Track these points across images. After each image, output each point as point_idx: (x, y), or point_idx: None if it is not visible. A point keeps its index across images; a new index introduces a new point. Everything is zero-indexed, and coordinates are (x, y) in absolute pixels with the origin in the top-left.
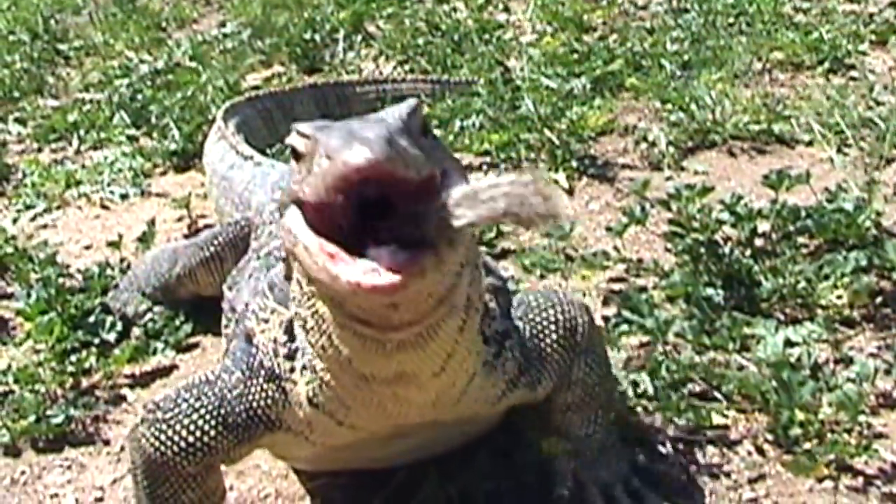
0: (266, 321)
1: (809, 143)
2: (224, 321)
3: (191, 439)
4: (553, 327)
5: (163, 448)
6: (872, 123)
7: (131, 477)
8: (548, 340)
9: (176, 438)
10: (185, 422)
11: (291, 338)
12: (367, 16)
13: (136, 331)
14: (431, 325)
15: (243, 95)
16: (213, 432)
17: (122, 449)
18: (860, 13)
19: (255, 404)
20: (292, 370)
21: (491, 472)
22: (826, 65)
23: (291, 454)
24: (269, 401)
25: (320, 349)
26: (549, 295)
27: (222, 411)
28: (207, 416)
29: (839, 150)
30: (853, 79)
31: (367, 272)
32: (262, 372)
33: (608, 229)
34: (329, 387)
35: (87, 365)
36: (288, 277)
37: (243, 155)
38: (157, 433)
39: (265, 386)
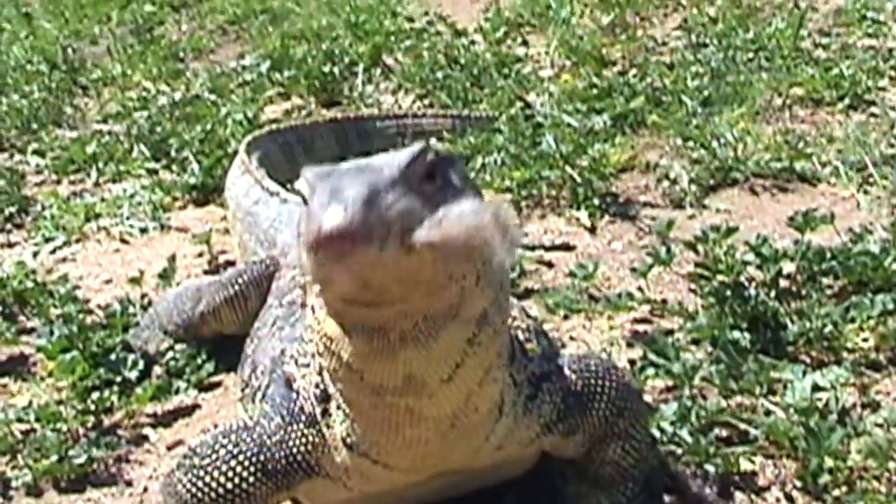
0: (306, 366)
1: (832, 182)
2: (244, 372)
3: (229, 486)
4: (601, 397)
5: (199, 495)
6: (894, 161)
7: None
8: (593, 405)
9: (214, 485)
10: (224, 468)
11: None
12: (386, 49)
13: (157, 369)
14: (430, 323)
15: (263, 129)
16: (251, 479)
17: (146, 490)
18: (879, 48)
19: (295, 450)
20: (328, 413)
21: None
22: (846, 101)
23: (327, 502)
24: (309, 446)
25: (334, 371)
26: (610, 367)
27: (261, 457)
28: (246, 463)
29: (860, 189)
30: (873, 115)
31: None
32: (303, 417)
33: (633, 270)
34: (355, 418)
35: (108, 404)
36: (302, 305)
37: (269, 191)
38: (194, 479)
39: (305, 431)
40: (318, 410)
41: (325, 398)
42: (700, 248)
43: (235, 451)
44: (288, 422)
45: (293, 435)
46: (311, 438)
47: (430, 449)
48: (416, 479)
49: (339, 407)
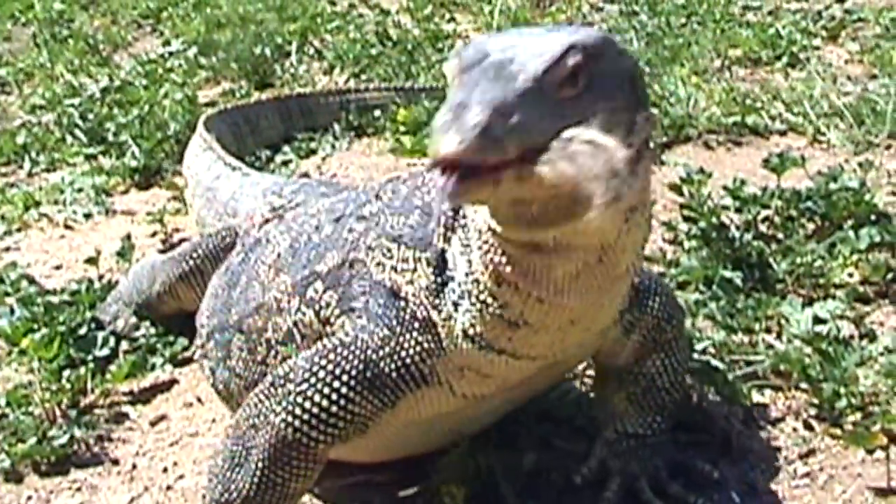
0: (413, 270)
1: (783, 133)
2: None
3: (334, 409)
4: (655, 297)
5: (297, 423)
6: (844, 111)
7: (227, 464)
8: (649, 302)
9: (316, 410)
10: (326, 390)
11: (442, 274)
12: (313, 31)
13: (125, 344)
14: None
15: (201, 110)
16: (358, 398)
17: (134, 467)
18: (808, 10)
19: (408, 360)
20: (444, 308)
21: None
22: (784, 59)
23: (412, 418)
24: (423, 354)
25: (485, 248)
26: (657, 277)
27: (368, 374)
28: (353, 382)
29: (816, 139)
30: (813, 72)
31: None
32: (416, 324)
33: None
34: (491, 295)
35: (83, 383)
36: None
37: (231, 166)
38: (291, 406)
39: (419, 338)
40: (432, 311)
41: (441, 291)
42: (685, 189)
43: (338, 370)
44: (399, 332)
45: (406, 344)
46: (425, 345)
47: (565, 312)
48: (530, 369)
49: (462, 296)
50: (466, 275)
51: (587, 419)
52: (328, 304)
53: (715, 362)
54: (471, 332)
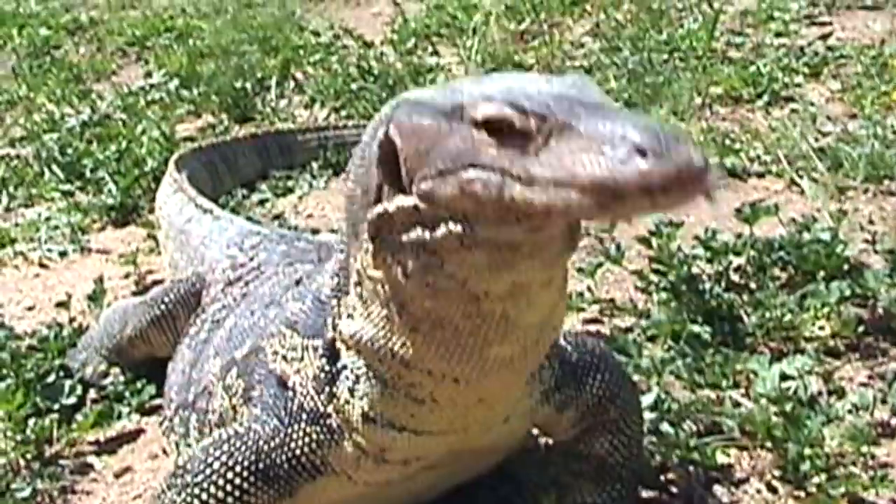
0: (300, 359)
1: (761, 176)
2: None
3: (229, 500)
4: (595, 374)
5: None
6: (822, 153)
7: None
8: (587, 380)
9: (212, 501)
10: (220, 482)
11: (334, 361)
12: (295, 63)
13: (93, 393)
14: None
15: (179, 146)
16: (252, 489)
17: None
18: (791, 46)
19: (298, 451)
20: (341, 395)
21: None
22: (765, 98)
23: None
24: (313, 445)
25: (412, 308)
26: (605, 350)
27: (260, 465)
28: (245, 473)
29: (792, 183)
30: (793, 111)
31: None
32: (304, 415)
33: (579, 270)
34: (398, 376)
35: (48, 433)
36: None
37: (202, 208)
38: (189, 498)
39: (308, 429)
40: (325, 401)
41: (334, 380)
42: (654, 242)
43: (231, 461)
44: (287, 423)
45: (295, 436)
46: (315, 436)
47: (479, 391)
48: (432, 448)
49: (358, 380)
50: (366, 360)
51: (551, 481)
52: (237, 392)
53: (679, 423)
54: (371, 413)
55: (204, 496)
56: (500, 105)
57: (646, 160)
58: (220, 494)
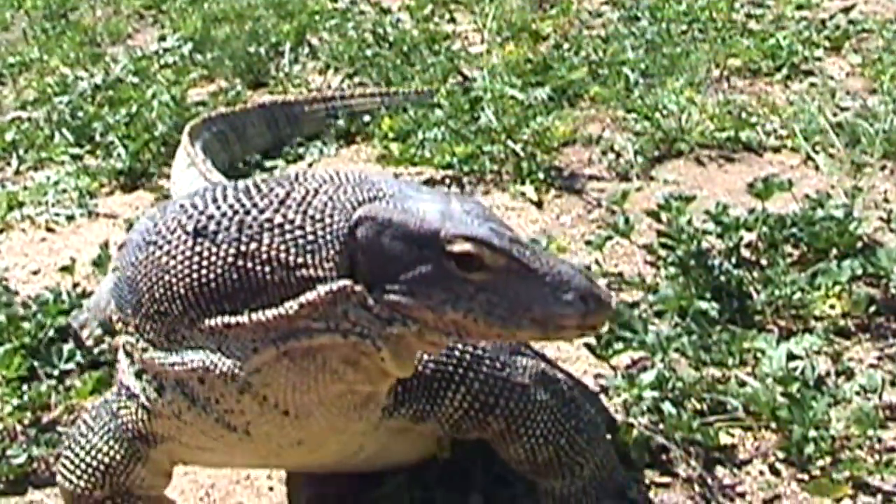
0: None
1: (777, 150)
2: None
3: (88, 460)
4: (459, 389)
5: (72, 478)
6: (840, 128)
7: None
8: (446, 395)
9: (77, 462)
10: (84, 444)
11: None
12: (310, 28)
13: (79, 357)
14: None
15: (189, 112)
16: (106, 448)
17: None
18: (812, 19)
19: (131, 424)
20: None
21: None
22: (784, 71)
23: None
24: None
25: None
26: (482, 362)
27: (112, 425)
28: (102, 434)
29: (808, 158)
30: (812, 85)
31: None
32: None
33: (588, 243)
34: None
35: (46, 399)
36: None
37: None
38: (63, 464)
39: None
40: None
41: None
42: (663, 216)
43: (93, 424)
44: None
45: (127, 412)
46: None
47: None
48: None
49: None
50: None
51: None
52: None
53: (682, 402)
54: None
55: (76, 460)
56: (479, 246)
57: (585, 304)
58: (82, 455)
